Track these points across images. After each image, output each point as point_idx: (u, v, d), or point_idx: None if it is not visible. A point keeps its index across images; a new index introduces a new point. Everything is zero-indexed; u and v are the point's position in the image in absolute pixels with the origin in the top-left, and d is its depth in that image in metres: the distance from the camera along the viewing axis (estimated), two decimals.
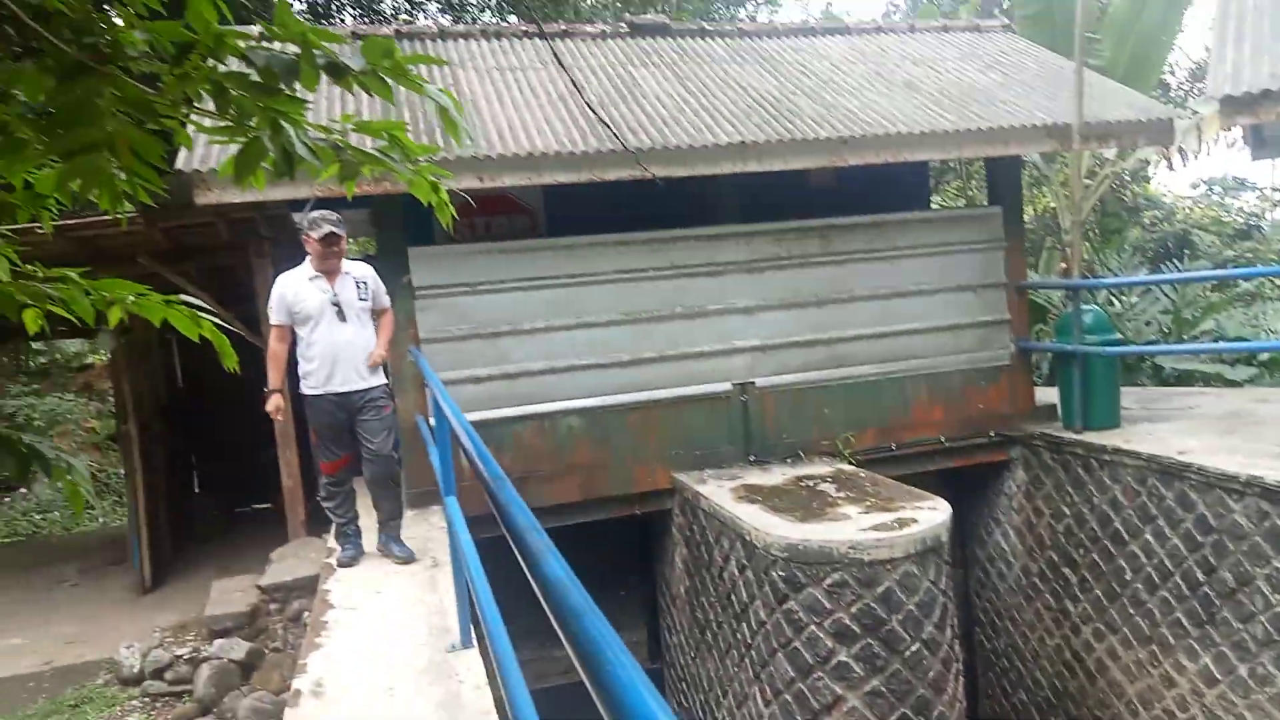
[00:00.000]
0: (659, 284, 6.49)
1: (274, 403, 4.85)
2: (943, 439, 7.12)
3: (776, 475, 6.34)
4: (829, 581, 4.87)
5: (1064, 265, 10.55)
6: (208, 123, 1.91)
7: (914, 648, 4.84)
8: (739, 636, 5.62)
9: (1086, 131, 6.55)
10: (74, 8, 1.52)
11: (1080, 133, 6.49)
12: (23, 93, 1.70)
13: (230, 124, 1.89)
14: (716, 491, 5.99)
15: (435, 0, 15.82)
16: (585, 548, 7.00)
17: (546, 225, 7.64)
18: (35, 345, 14.10)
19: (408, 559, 5.02)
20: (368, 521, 5.29)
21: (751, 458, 6.72)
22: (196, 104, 1.83)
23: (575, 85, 3.04)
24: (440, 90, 1.80)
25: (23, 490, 12.10)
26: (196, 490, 10.23)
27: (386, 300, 5.01)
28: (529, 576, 1.23)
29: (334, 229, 4.67)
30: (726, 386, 6.66)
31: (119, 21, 1.63)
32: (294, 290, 4.72)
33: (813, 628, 4.92)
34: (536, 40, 6.99)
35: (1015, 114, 6.72)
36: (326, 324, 4.70)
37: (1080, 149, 6.86)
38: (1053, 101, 7.00)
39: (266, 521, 9.15)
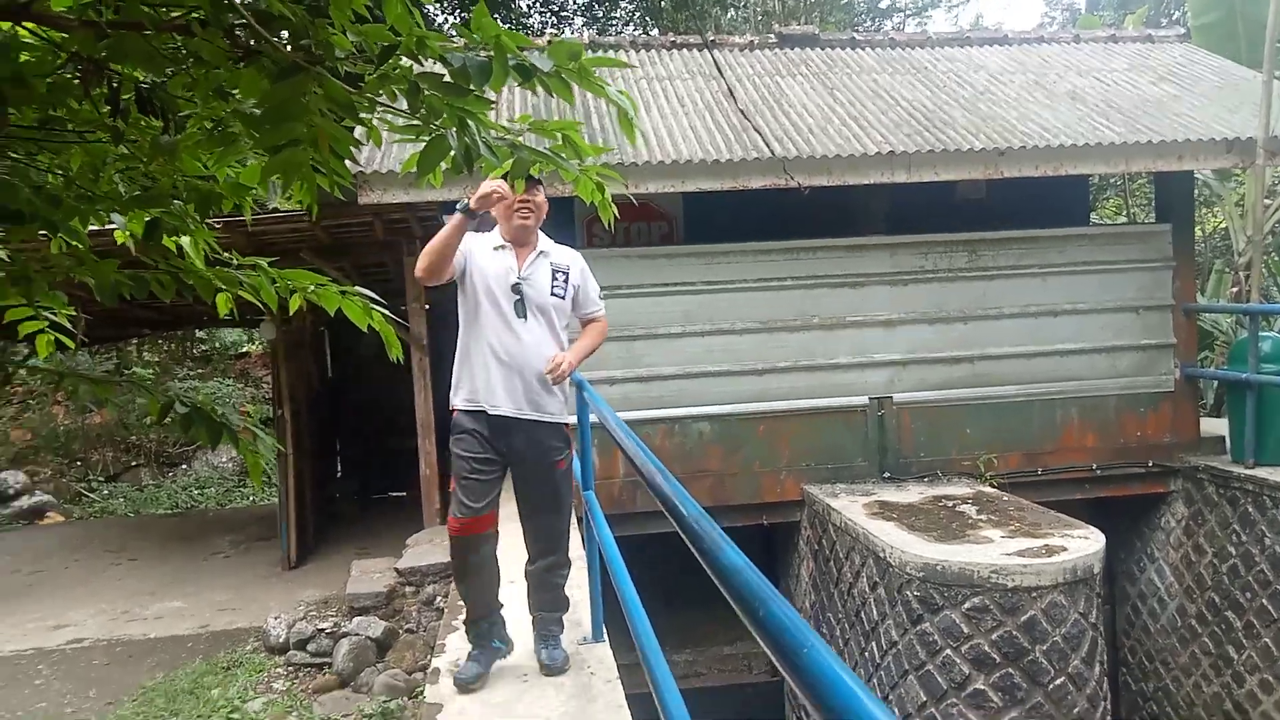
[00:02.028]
0: (797, 293, 6.42)
1: (481, 190, 3.03)
2: (1094, 466, 6.75)
3: (912, 493, 6.15)
4: (968, 605, 4.68)
5: (1236, 288, 9.82)
6: (399, 121, 2.01)
7: (1058, 681, 4.60)
8: (867, 655, 5.47)
9: (1274, 146, 6.08)
10: (294, 12, 1.61)
11: (1267, 148, 6.03)
12: (240, 92, 1.81)
13: (418, 123, 1.98)
14: (849, 506, 5.86)
15: (580, 14, 16.19)
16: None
17: (684, 232, 7.68)
18: (198, 334, 15.21)
19: (555, 669, 3.43)
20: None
21: (886, 474, 6.55)
22: (390, 103, 1.92)
23: (730, 91, 3.09)
24: (620, 92, 1.82)
25: (184, 467, 13.04)
26: (339, 475, 10.76)
27: (598, 305, 3.46)
28: (705, 566, 1.23)
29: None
30: (863, 400, 6.52)
31: (331, 25, 1.72)
32: (476, 247, 3.27)
33: (948, 652, 4.74)
34: (682, 51, 7.05)
35: (1191, 127, 6.31)
36: (498, 314, 3.20)
37: (1266, 164, 6.36)
38: (1233, 115, 6.54)
39: (401, 508, 9.56)
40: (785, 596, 5.86)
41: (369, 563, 6.79)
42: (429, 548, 6.61)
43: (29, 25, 1.48)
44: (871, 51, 7.61)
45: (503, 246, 3.25)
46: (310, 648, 5.86)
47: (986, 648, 4.64)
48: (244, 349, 16.32)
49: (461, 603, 3.47)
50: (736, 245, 6.39)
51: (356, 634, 5.78)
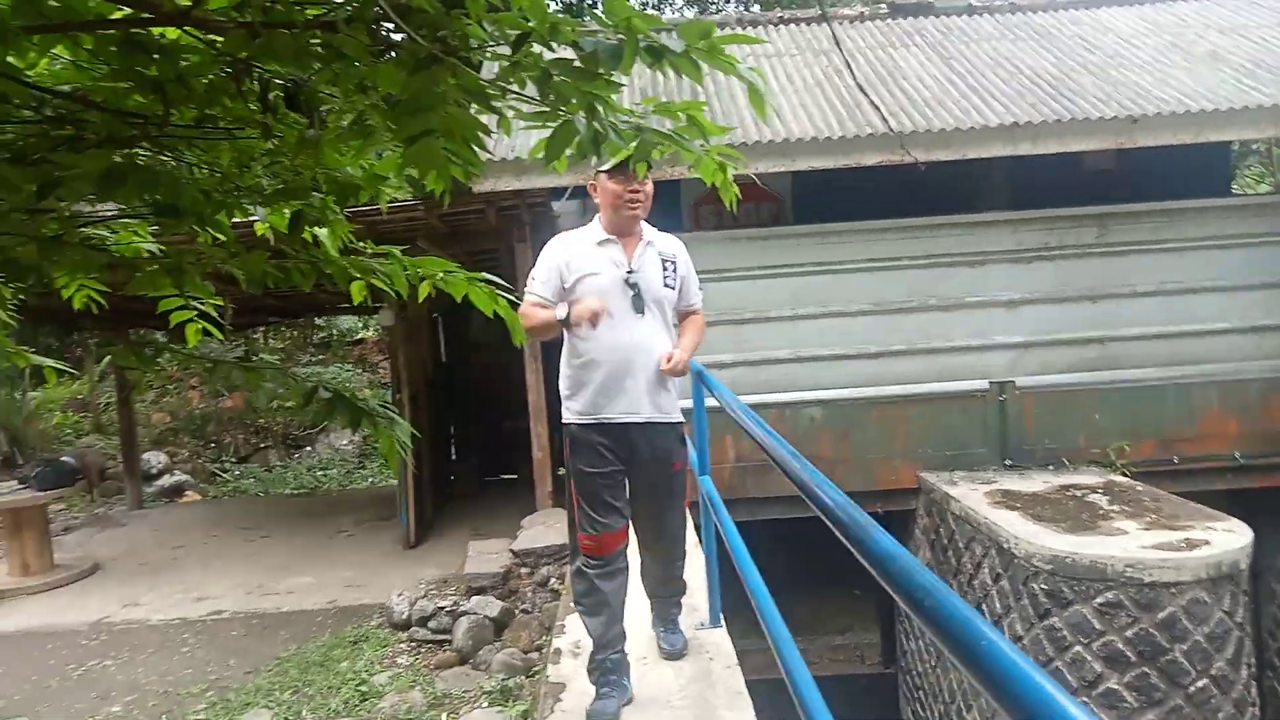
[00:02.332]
0: (913, 274, 6.23)
1: (573, 311, 2.86)
2: (1236, 455, 6.33)
3: (1037, 482, 5.90)
4: (1100, 600, 4.47)
5: None
6: (525, 108, 2.02)
7: (1200, 683, 4.34)
8: None
9: None
10: (431, 5, 1.64)
11: None
12: (379, 85, 1.85)
13: (546, 109, 1.99)
14: (969, 494, 5.67)
15: None
16: (820, 542, 6.92)
17: (794, 213, 7.55)
18: (317, 321, 15.86)
19: (675, 653, 3.41)
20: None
21: (1007, 462, 6.31)
22: (519, 90, 1.94)
23: (847, 64, 2.98)
24: (751, 69, 1.78)
25: (308, 449, 13.67)
26: (454, 458, 11.07)
27: (699, 297, 3.22)
28: (857, 553, 1.20)
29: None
30: (983, 384, 6.29)
31: (466, 16, 1.74)
32: (574, 252, 2.99)
33: (1078, 648, 4.54)
34: (790, 26, 6.90)
35: None
36: (615, 311, 2.90)
37: None
38: None
39: (513, 490, 9.78)
40: None
41: (485, 544, 6.97)
42: (543, 529, 6.74)
43: (189, 29, 1.55)
44: (990, 18, 7.29)
45: (607, 240, 2.99)
46: (431, 625, 6.06)
47: (1121, 645, 4.42)
48: (359, 335, 16.94)
49: (584, 626, 3.14)
50: (849, 225, 6.24)
51: (475, 613, 5.95)
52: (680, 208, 7.17)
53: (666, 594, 3.44)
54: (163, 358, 2.40)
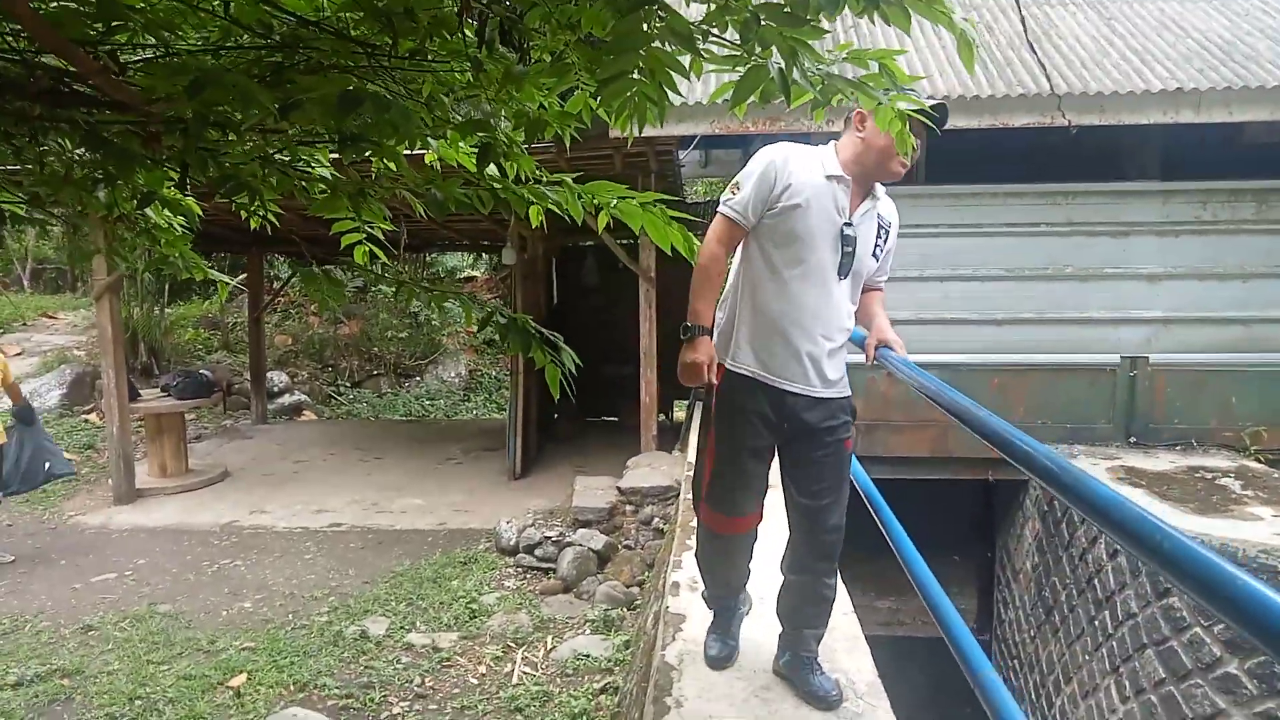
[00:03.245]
0: (1051, 240, 6.02)
1: (701, 355, 2.41)
2: None
3: (1163, 461, 5.72)
4: None
5: None
6: (717, 50, 2.04)
7: None
8: (1096, 624, 5.22)
9: None
10: None
11: None
12: (585, 24, 1.90)
13: (740, 53, 2.01)
14: (1090, 469, 5.53)
15: None
16: (925, 505, 6.88)
17: (925, 173, 7.36)
18: (428, 258, 16.28)
19: (829, 700, 2.54)
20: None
21: (1132, 439, 6.12)
22: (721, 34, 1.96)
23: (1022, 20, 2.84)
24: (965, 20, 1.77)
25: (417, 379, 14.18)
26: (572, 396, 11.30)
27: (886, 273, 2.68)
28: (1071, 503, 1.21)
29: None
30: (1114, 359, 6.08)
31: None
32: (798, 171, 2.39)
33: (1198, 629, 4.43)
34: None
35: None
36: (817, 267, 2.40)
37: None
38: None
39: (613, 431, 9.98)
40: (1002, 554, 5.63)
41: (591, 480, 7.16)
42: (648, 470, 6.88)
43: None
44: None
45: (838, 178, 2.38)
46: (537, 553, 6.29)
47: None
48: (466, 274, 17.35)
49: (699, 571, 2.85)
50: (987, 187, 6.05)
51: (580, 544, 6.15)
52: None
53: (812, 624, 2.61)
54: (351, 277, 2.54)
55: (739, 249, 2.53)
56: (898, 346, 2.45)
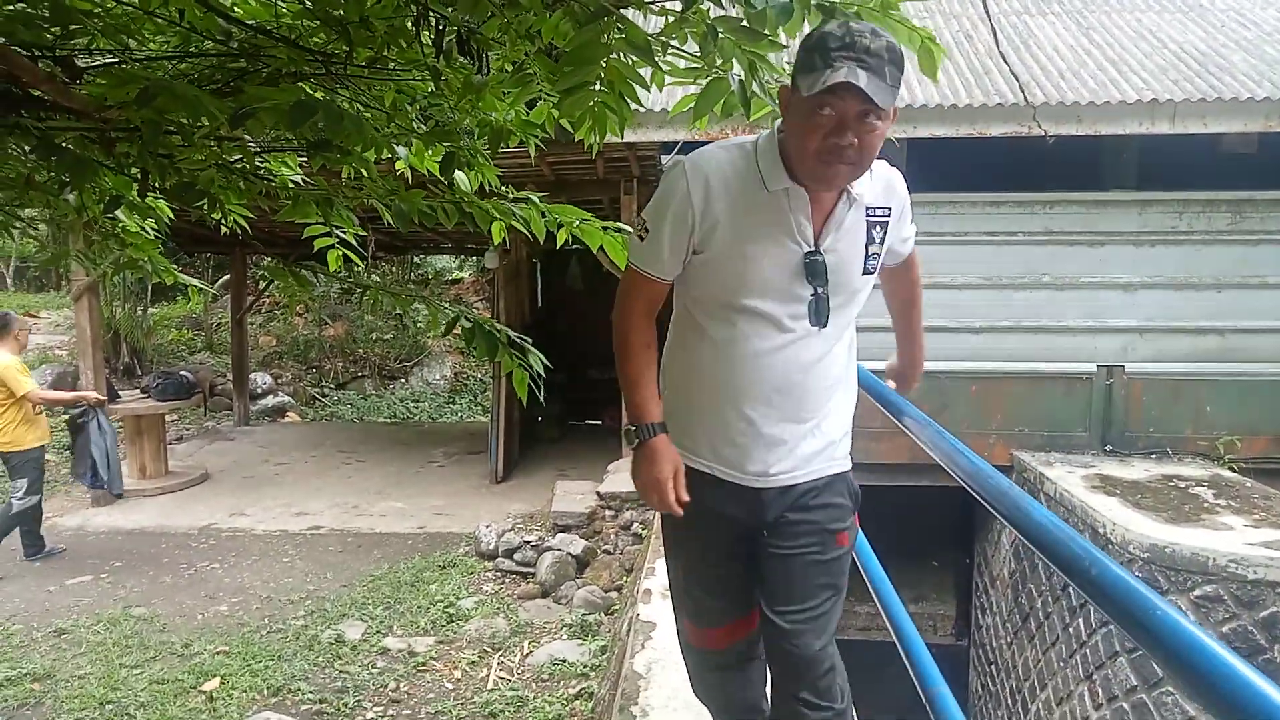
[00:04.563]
0: (1028, 249, 6.06)
1: (663, 467, 1.69)
2: None
3: (1137, 470, 5.76)
4: (1198, 593, 4.37)
5: None
6: (681, 64, 2.06)
7: None
8: (1071, 631, 5.25)
9: None
10: None
11: None
12: (544, 35, 1.91)
13: (699, 66, 2.02)
14: (1065, 477, 5.57)
15: None
16: (904, 512, 6.91)
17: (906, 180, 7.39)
18: (414, 260, 16.25)
19: None
20: None
21: (1108, 447, 6.15)
22: (680, 46, 1.97)
23: (993, 30, 2.83)
24: (921, 31, 1.78)
25: (401, 380, 14.14)
26: (542, 400, 11.30)
27: (912, 236, 1.93)
28: (1009, 523, 1.22)
29: (867, 72, 1.43)
30: (1090, 367, 6.12)
31: None
32: (720, 195, 1.64)
33: None
34: None
35: None
36: (768, 324, 1.69)
37: None
38: None
39: (597, 434, 9.97)
40: (980, 560, 5.65)
41: (572, 484, 7.16)
42: (628, 475, 6.88)
43: None
44: None
45: (784, 190, 1.61)
46: (516, 557, 6.29)
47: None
48: (454, 275, 17.31)
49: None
50: (965, 195, 6.08)
51: (559, 549, 6.15)
52: None
53: None
54: (321, 281, 2.54)
55: (680, 313, 1.82)
56: (911, 376, 2.12)
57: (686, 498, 1.72)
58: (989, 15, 2.62)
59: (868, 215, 1.68)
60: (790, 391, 1.71)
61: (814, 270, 1.64)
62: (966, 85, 5.45)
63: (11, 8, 1.77)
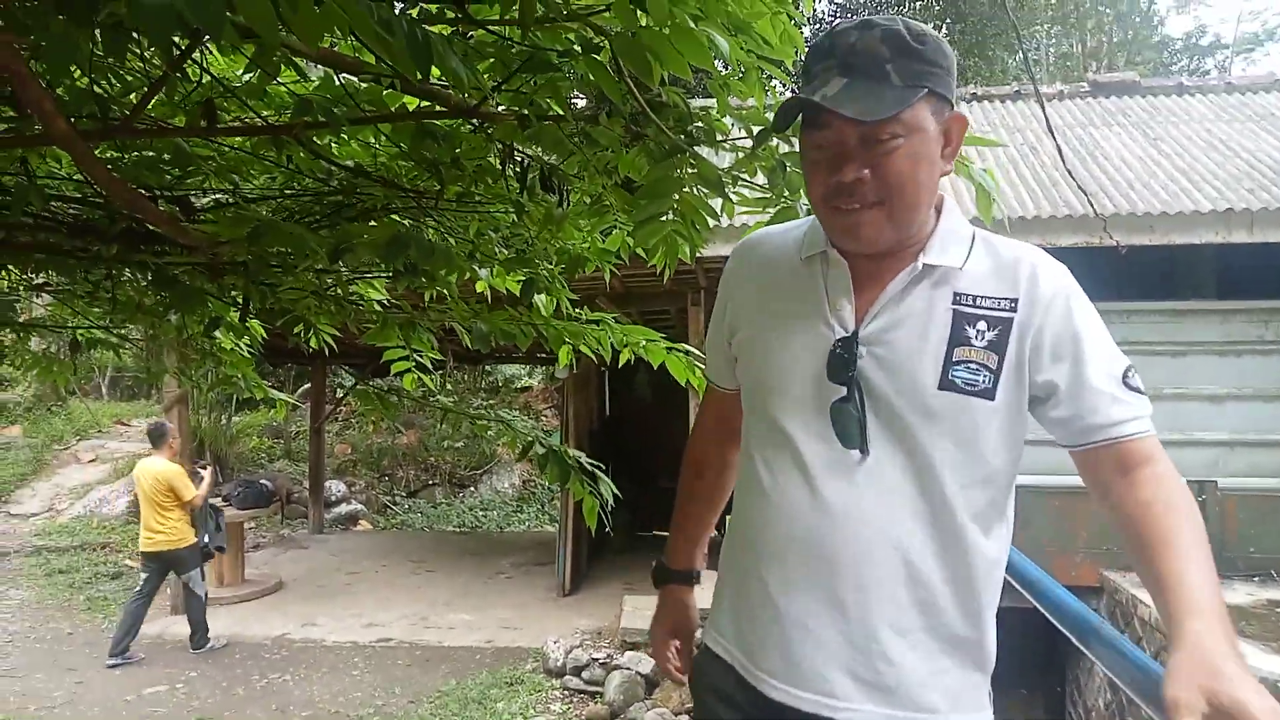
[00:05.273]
0: None
1: (655, 625, 1.65)
2: None
3: (1239, 594, 5.42)
4: None
5: None
6: (748, 193, 2.14)
7: None
8: None
9: None
10: (682, 100, 1.78)
11: None
12: (621, 169, 2.01)
13: (766, 196, 2.11)
14: None
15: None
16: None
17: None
18: (486, 368, 16.63)
19: None
20: None
21: None
22: (750, 178, 2.06)
23: (1056, 143, 2.85)
24: (983, 170, 1.83)
25: (471, 489, 14.27)
26: (608, 513, 11.26)
27: (1130, 408, 1.13)
28: (1092, 655, 1.18)
29: (849, 78, 1.06)
30: None
31: (714, 111, 1.87)
32: (757, 270, 1.33)
33: None
34: (983, 103, 6.83)
35: None
36: (790, 444, 1.18)
37: None
38: None
39: (663, 547, 9.83)
40: (1072, 689, 5.35)
41: (640, 599, 7.04)
42: (699, 590, 6.74)
43: (473, 120, 1.75)
44: (1203, 98, 6.94)
45: (819, 254, 1.24)
46: (584, 675, 6.16)
47: None
48: (522, 383, 17.62)
49: None
50: None
51: (627, 668, 6.01)
52: None
53: None
54: (400, 401, 2.64)
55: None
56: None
57: (680, 674, 1.46)
58: (1051, 130, 2.66)
59: (958, 303, 1.12)
60: (815, 549, 1.14)
61: (836, 365, 1.13)
62: (1034, 196, 5.48)
63: (138, 153, 1.96)
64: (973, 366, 1.11)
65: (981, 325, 1.12)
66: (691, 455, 1.51)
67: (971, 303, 1.13)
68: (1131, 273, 5.97)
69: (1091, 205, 4.08)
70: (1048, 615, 1.39)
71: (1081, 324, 1.12)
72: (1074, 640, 1.27)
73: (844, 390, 1.14)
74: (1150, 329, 5.89)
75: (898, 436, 1.13)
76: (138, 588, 6.60)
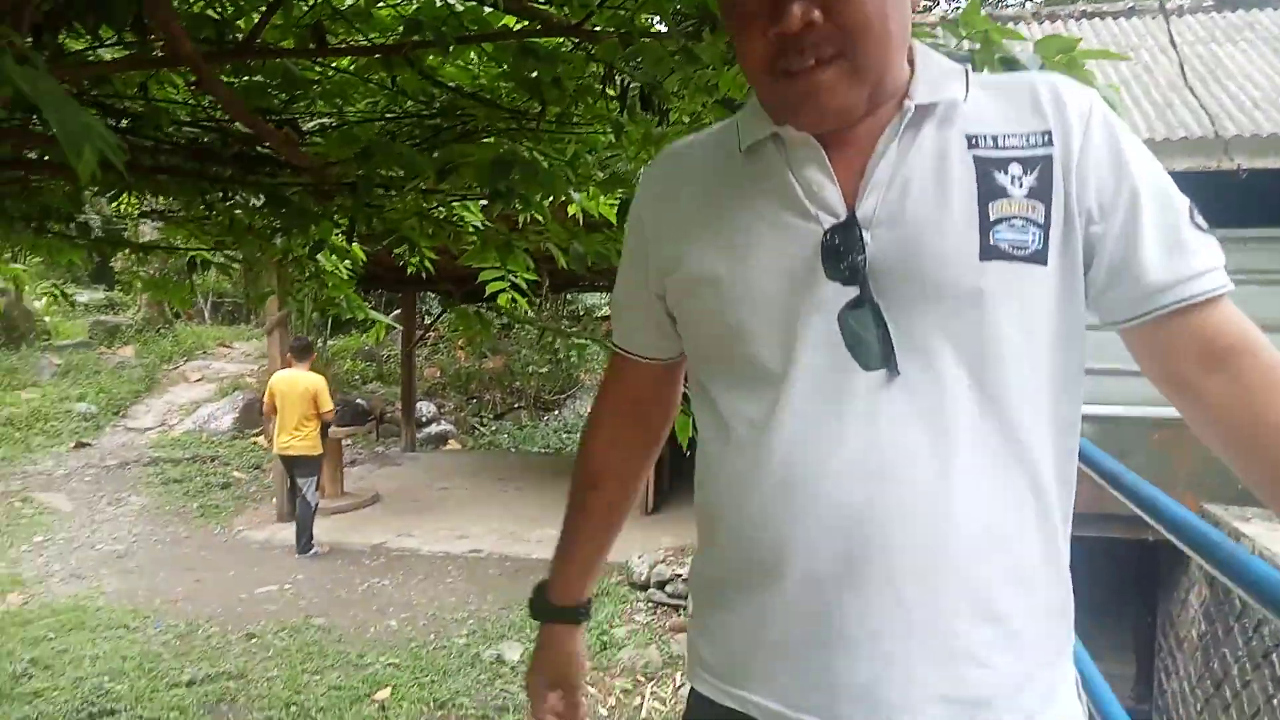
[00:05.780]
0: None
1: (531, 677, 1.25)
2: None
3: None
4: None
5: None
6: None
7: None
8: (1276, 703, 4.78)
9: None
10: None
11: None
12: (721, 88, 1.98)
13: None
14: (1266, 534, 5.11)
15: None
16: (1081, 565, 6.48)
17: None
18: (568, 296, 16.76)
19: None
20: None
21: None
22: None
23: (1180, 61, 2.67)
24: (1110, 86, 1.75)
25: (556, 412, 14.58)
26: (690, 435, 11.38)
27: (1200, 254, 0.82)
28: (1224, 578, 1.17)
29: None
30: None
31: None
32: (680, 183, 0.96)
33: None
34: (1093, 20, 6.43)
35: None
36: (772, 362, 0.86)
37: None
38: None
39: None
40: (1164, 620, 5.27)
41: None
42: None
43: (574, 39, 1.75)
44: None
45: (768, 138, 0.88)
46: (668, 589, 6.33)
47: None
48: (603, 312, 17.74)
49: None
50: None
51: None
52: None
53: None
54: (498, 316, 2.70)
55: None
56: None
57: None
58: (1174, 43, 2.52)
59: (976, 147, 0.84)
60: (855, 525, 0.81)
61: (835, 260, 0.83)
62: (1147, 119, 5.17)
63: (248, 78, 2.02)
64: (1017, 224, 0.81)
65: (1015, 169, 0.82)
66: (587, 462, 1.17)
67: (993, 144, 0.83)
68: (1251, 198, 5.62)
69: (1213, 124, 3.85)
70: (1146, 517, 1.37)
71: (1130, 153, 0.84)
72: (1169, 535, 1.26)
73: (854, 291, 0.82)
74: (1269, 257, 5.56)
75: (935, 340, 0.82)
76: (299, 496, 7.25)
